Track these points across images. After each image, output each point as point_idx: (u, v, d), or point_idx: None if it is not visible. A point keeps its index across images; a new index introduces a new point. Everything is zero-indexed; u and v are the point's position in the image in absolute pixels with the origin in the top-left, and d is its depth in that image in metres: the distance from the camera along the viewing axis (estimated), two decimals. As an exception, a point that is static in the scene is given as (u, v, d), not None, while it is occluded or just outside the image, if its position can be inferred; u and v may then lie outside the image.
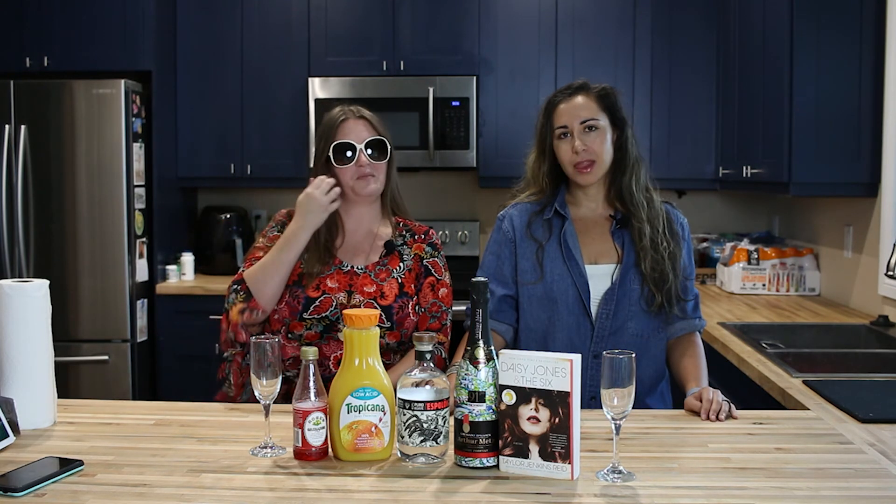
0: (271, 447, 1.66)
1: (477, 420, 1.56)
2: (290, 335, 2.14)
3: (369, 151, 2.12)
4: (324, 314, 2.11)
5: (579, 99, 2.15)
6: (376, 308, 2.10)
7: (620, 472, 1.53)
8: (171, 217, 4.55)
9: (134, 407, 2.07)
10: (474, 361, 1.58)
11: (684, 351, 2.16)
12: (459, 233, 4.75)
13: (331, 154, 2.12)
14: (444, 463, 1.60)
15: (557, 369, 1.52)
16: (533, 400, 1.53)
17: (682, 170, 4.38)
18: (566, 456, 1.52)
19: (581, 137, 2.11)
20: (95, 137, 4.09)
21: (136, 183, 4.16)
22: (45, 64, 4.27)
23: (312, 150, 2.25)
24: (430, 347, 1.61)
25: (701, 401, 1.93)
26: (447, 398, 1.60)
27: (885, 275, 2.63)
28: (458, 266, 4.62)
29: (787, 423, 1.90)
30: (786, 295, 3.95)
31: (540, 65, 4.42)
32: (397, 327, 2.11)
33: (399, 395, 1.59)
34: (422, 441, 1.58)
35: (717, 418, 1.88)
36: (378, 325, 2.04)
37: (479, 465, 1.57)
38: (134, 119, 4.14)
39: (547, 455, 1.53)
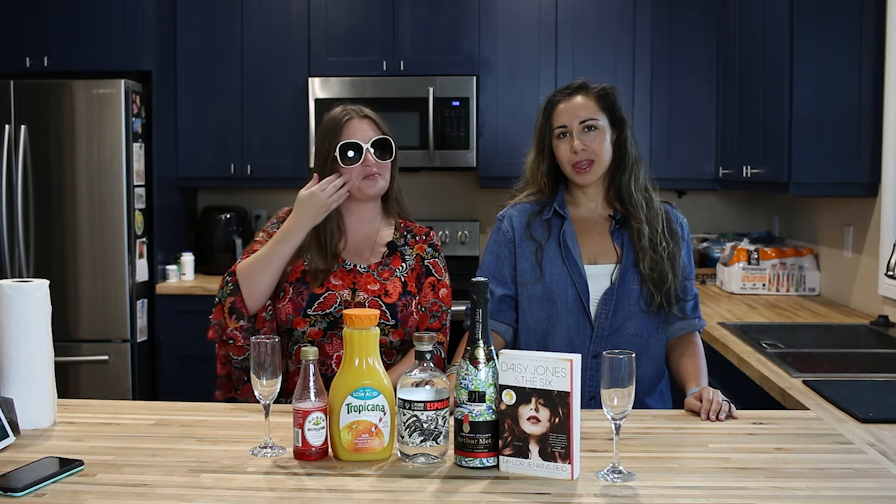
0: (271, 447, 1.66)
1: (477, 420, 1.56)
2: (293, 332, 2.14)
3: (375, 151, 2.12)
4: (328, 311, 2.11)
5: (579, 99, 2.15)
6: (381, 305, 2.10)
7: (620, 472, 1.53)
8: (171, 217, 4.55)
9: (134, 407, 2.07)
10: (474, 361, 1.58)
11: (684, 351, 2.16)
12: (459, 233, 4.75)
13: (337, 154, 2.12)
14: (444, 463, 1.60)
15: (557, 369, 1.52)
16: (533, 400, 1.53)
17: (682, 170, 4.38)
18: (566, 456, 1.52)
19: (580, 137, 2.11)
20: (95, 137, 4.09)
21: (136, 183, 4.17)
22: (45, 64, 4.27)
23: (313, 149, 2.25)
24: (430, 347, 1.61)
25: (701, 401, 1.93)
26: (447, 398, 1.60)
27: (885, 275, 2.63)
28: (457, 266, 4.63)
29: (787, 423, 1.90)
30: (786, 295, 3.95)
31: (540, 65, 4.42)
32: (401, 325, 2.12)
33: (399, 395, 1.59)
34: (422, 441, 1.58)
35: (717, 418, 1.88)
36: (382, 323, 2.06)
37: (479, 465, 1.57)
38: (134, 119, 4.14)
39: (547, 455, 1.53)
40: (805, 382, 2.28)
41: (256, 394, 1.66)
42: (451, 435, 1.61)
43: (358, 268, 2.17)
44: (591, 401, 2.04)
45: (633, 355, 1.51)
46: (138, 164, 4.19)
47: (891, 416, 1.92)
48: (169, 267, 4.44)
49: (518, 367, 1.55)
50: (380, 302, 2.11)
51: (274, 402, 1.69)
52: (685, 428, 1.85)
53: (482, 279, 1.61)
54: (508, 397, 1.55)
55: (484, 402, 1.56)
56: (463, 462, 1.58)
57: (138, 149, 4.19)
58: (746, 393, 2.56)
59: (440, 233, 4.71)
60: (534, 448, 1.54)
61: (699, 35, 4.37)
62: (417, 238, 2.23)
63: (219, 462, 1.61)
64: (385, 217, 2.24)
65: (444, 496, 1.46)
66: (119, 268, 4.12)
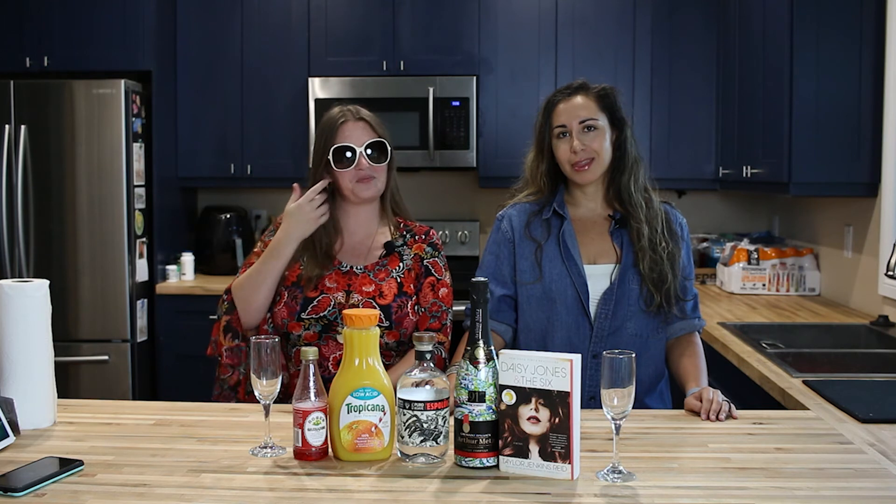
0: (271, 447, 1.66)
1: (477, 420, 1.56)
2: (289, 336, 2.14)
3: (369, 153, 2.12)
4: (322, 314, 2.11)
5: (578, 99, 2.15)
6: (375, 307, 2.10)
7: (620, 472, 1.53)
8: (171, 217, 4.55)
9: (134, 407, 2.07)
10: (474, 361, 1.58)
11: (683, 351, 2.16)
12: (459, 233, 4.75)
13: (330, 157, 2.11)
14: (444, 463, 1.60)
15: (557, 369, 1.52)
16: (533, 400, 1.53)
17: (682, 170, 4.38)
18: (566, 456, 1.52)
19: (580, 137, 2.11)
20: (95, 137, 4.09)
21: (136, 183, 4.17)
22: (45, 64, 4.27)
23: (312, 150, 2.26)
24: (430, 347, 1.61)
25: (701, 401, 1.93)
26: (447, 398, 1.60)
27: (885, 275, 2.63)
28: (457, 266, 4.61)
29: (787, 423, 1.90)
30: (786, 295, 3.95)
31: (540, 65, 4.42)
32: (396, 327, 2.11)
33: (399, 395, 1.59)
34: (422, 441, 1.58)
35: (717, 418, 1.88)
36: (377, 325, 2.06)
37: (479, 465, 1.57)
38: (134, 119, 4.14)
39: (547, 455, 1.53)
40: (805, 382, 2.28)
41: (256, 394, 1.66)
42: (451, 435, 1.61)
43: (354, 269, 2.16)
44: (591, 401, 2.04)
45: (633, 355, 1.51)
46: (138, 164, 4.19)
47: (891, 416, 1.92)
48: (169, 267, 4.44)
49: (518, 367, 1.55)
50: (374, 303, 2.10)
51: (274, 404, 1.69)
52: (685, 428, 1.85)
53: (482, 279, 1.61)
54: (508, 397, 1.55)
55: (484, 402, 1.56)
56: (463, 462, 1.58)
57: (138, 149, 4.19)
58: (746, 393, 2.56)
59: (440, 233, 4.69)
60: (534, 448, 1.54)
61: (699, 35, 4.37)
62: (417, 237, 2.23)
63: (219, 462, 1.61)
64: (383, 218, 2.23)
65: (444, 496, 1.46)
66: (119, 268, 4.12)
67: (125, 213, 4.11)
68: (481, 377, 1.57)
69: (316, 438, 1.61)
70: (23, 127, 4.09)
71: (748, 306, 3.69)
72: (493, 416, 1.57)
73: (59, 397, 1.89)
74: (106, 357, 4.12)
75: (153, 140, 4.30)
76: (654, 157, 4.20)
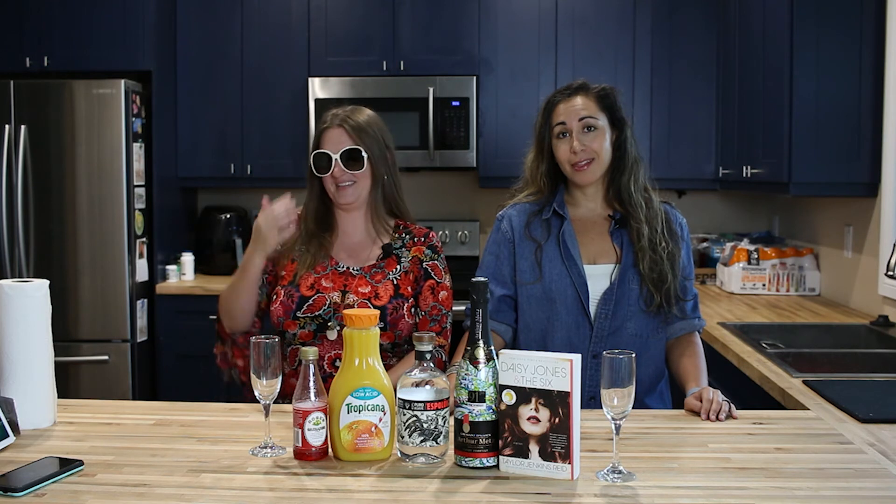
0: (271, 447, 1.66)
1: (477, 420, 1.56)
2: (285, 335, 2.15)
3: (345, 161, 2.13)
4: (317, 313, 2.12)
5: (578, 99, 2.14)
6: (370, 308, 2.10)
7: (620, 472, 1.53)
8: (171, 217, 4.55)
9: (134, 407, 2.07)
10: (474, 361, 1.58)
11: (683, 351, 2.16)
12: (459, 233, 4.75)
13: (311, 163, 2.15)
14: (444, 463, 1.60)
15: (557, 369, 1.52)
16: (533, 400, 1.53)
17: (682, 170, 4.38)
18: (566, 456, 1.52)
19: (579, 137, 2.11)
20: (95, 137, 4.09)
21: (136, 183, 4.17)
22: (45, 64, 4.27)
23: None
24: (429, 347, 1.61)
25: (701, 401, 1.93)
26: (447, 398, 1.60)
27: (885, 275, 2.63)
28: (457, 266, 4.61)
29: (787, 423, 1.90)
30: (786, 295, 3.95)
31: (540, 65, 4.42)
32: (391, 328, 2.12)
33: (399, 395, 1.59)
34: (422, 441, 1.58)
35: (717, 418, 1.88)
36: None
37: (479, 465, 1.57)
38: (134, 119, 4.14)
39: (547, 455, 1.53)
40: (805, 382, 2.28)
41: (256, 394, 1.67)
42: (451, 435, 1.61)
43: (351, 270, 2.17)
44: (591, 401, 2.04)
45: (633, 355, 1.51)
46: (138, 164, 4.19)
47: (891, 416, 1.92)
48: (169, 267, 4.44)
49: (518, 367, 1.55)
50: (369, 304, 2.11)
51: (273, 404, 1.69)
52: (685, 428, 1.85)
53: (482, 279, 1.61)
54: (508, 397, 1.55)
55: (484, 402, 1.56)
56: (463, 462, 1.58)
57: (138, 149, 4.19)
58: (746, 393, 2.56)
59: (440, 233, 4.71)
60: (534, 448, 1.54)
61: (699, 35, 4.37)
62: (416, 239, 2.23)
63: (219, 462, 1.61)
64: (381, 220, 2.23)
65: (444, 496, 1.46)
66: (119, 268, 4.12)
67: (125, 213, 4.11)
68: (481, 377, 1.57)
69: (316, 438, 1.61)
70: (23, 127, 4.09)
71: (748, 306, 3.69)
72: (493, 416, 1.57)
73: (59, 397, 1.89)
74: (106, 357, 4.12)
75: (153, 140, 4.30)
76: (654, 157, 4.20)
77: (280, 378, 1.67)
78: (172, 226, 4.57)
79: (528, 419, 1.54)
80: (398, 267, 2.18)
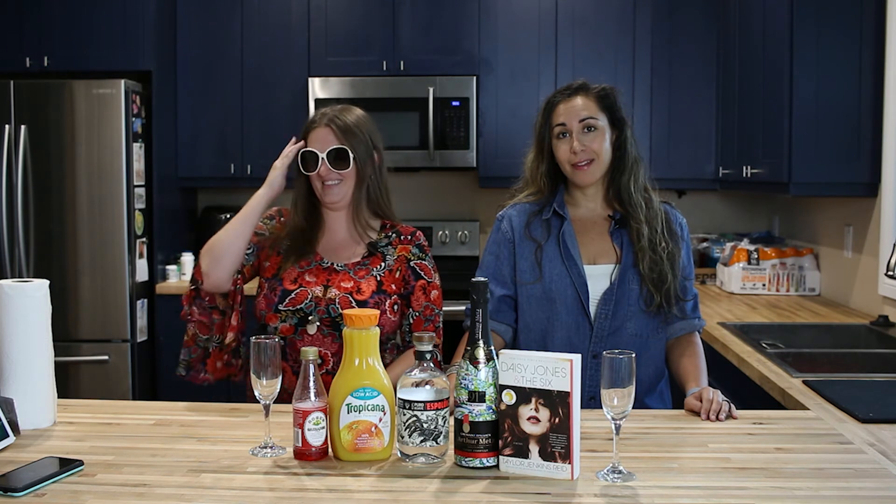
0: (271, 447, 1.66)
1: (477, 420, 1.56)
2: (267, 328, 2.16)
3: (331, 160, 2.14)
4: (298, 306, 2.12)
5: (578, 99, 2.14)
6: (351, 302, 2.11)
7: (620, 472, 1.53)
8: (171, 217, 4.55)
9: (134, 407, 2.07)
10: (474, 361, 1.58)
11: (683, 351, 2.16)
12: (459, 233, 4.75)
13: (298, 162, 2.17)
14: (444, 463, 1.60)
15: (557, 369, 1.52)
16: (533, 400, 1.53)
17: (682, 170, 4.38)
18: (566, 456, 1.52)
19: (579, 138, 2.11)
20: (95, 137, 4.09)
21: (136, 183, 4.17)
22: (45, 64, 4.27)
23: None
24: (429, 347, 1.61)
25: (701, 401, 1.93)
26: (447, 398, 1.60)
27: (885, 275, 2.63)
28: (458, 266, 4.63)
29: (787, 423, 1.90)
30: (786, 295, 3.95)
31: (540, 65, 4.42)
32: None
33: (399, 395, 1.59)
34: (422, 441, 1.58)
35: (717, 418, 1.88)
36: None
37: (479, 465, 1.57)
38: (134, 119, 4.14)
39: (547, 455, 1.53)
40: (805, 382, 2.28)
41: (256, 394, 1.67)
42: (451, 435, 1.61)
43: (335, 266, 2.18)
44: (591, 401, 2.04)
45: (633, 355, 1.51)
46: (138, 164, 4.19)
47: (891, 416, 1.92)
48: (169, 267, 4.44)
49: (518, 367, 1.55)
50: (351, 299, 2.12)
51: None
52: (685, 428, 1.85)
53: (482, 279, 1.61)
54: (508, 397, 1.55)
55: (484, 402, 1.56)
56: (463, 462, 1.58)
57: (138, 149, 4.19)
58: (746, 393, 2.56)
59: (440, 233, 4.71)
60: (534, 448, 1.54)
61: (699, 35, 4.37)
62: (402, 238, 2.23)
63: (219, 462, 1.61)
64: (364, 221, 2.23)
65: (444, 496, 1.46)
66: (119, 268, 4.12)
67: (125, 213, 4.11)
68: (481, 377, 1.57)
69: (316, 438, 1.61)
70: (23, 127, 4.09)
71: (748, 306, 3.69)
72: (493, 416, 1.57)
73: (59, 397, 1.89)
74: (106, 357, 4.12)
75: (153, 140, 4.30)
76: (654, 157, 4.20)
77: (280, 378, 1.67)
78: (172, 226, 4.57)
79: (528, 419, 1.54)
80: (383, 264, 2.19)
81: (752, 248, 4.03)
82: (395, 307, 2.16)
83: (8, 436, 1.69)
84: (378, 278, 2.16)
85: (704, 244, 4.63)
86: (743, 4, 3.97)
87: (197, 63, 4.54)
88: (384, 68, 4.44)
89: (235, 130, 4.55)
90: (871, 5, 3.24)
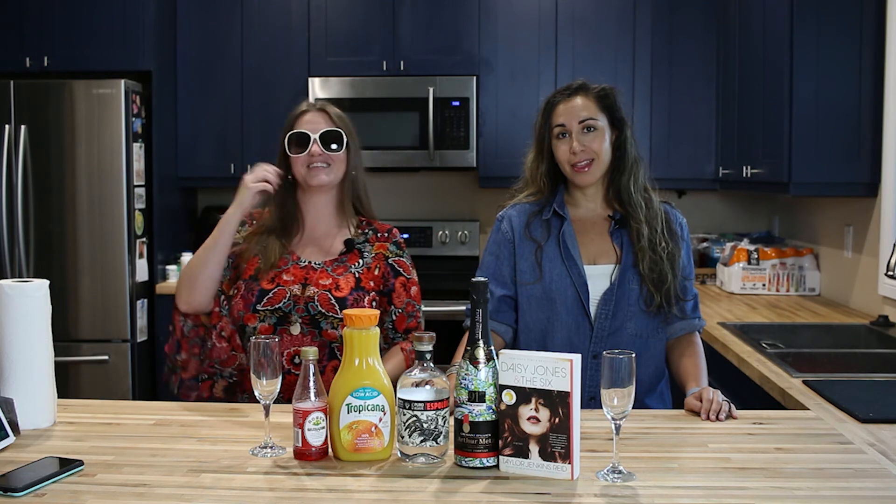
0: (271, 447, 1.66)
1: (477, 420, 1.56)
2: (245, 329, 2.14)
3: (323, 142, 2.14)
4: (277, 306, 2.12)
5: (578, 99, 2.14)
6: (330, 299, 2.11)
7: (620, 472, 1.53)
8: (171, 217, 4.55)
9: (134, 407, 2.07)
10: (474, 361, 1.58)
11: (684, 351, 2.16)
12: (459, 233, 4.75)
13: (286, 144, 2.15)
14: (444, 463, 1.60)
15: (557, 369, 1.52)
16: (533, 400, 1.53)
17: (682, 170, 4.38)
18: (566, 456, 1.52)
19: (579, 138, 2.11)
20: (95, 137, 4.09)
21: (136, 183, 4.17)
22: (45, 64, 4.27)
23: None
24: (429, 347, 1.61)
25: (701, 401, 1.93)
26: (447, 398, 1.60)
27: (885, 275, 2.63)
28: (458, 266, 4.63)
29: (787, 423, 1.90)
30: (786, 295, 3.95)
31: (540, 65, 4.42)
32: None
33: (399, 395, 1.59)
34: (422, 441, 1.58)
35: (717, 418, 1.88)
36: (332, 316, 2.07)
37: (479, 465, 1.57)
38: (134, 119, 4.14)
39: (547, 455, 1.53)
40: (805, 382, 2.28)
41: (256, 394, 1.67)
42: (451, 435, 1.61)
43: (312, 264, 2.18)
44: (591, 401, 2.04)
45: (633, 355, 1.51)
46: (138, 164, 4.19)
47: (891, 416, 1.92)
48: (169, 267, 4.44)
49: (518, 367, 1.55)
50: (329, 296, 2.12)
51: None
52: (685, 428, 1.85)
53: (482, 279, 1.61)
54: (508, 397, 1.55)
55: (484, 402, 1.56)
56: (463, 462, 1.58)
57: (138, 149, 4.19)
58: (746, 393, 2.56)
59: (440, 233, 4.71)
60: (534, 448, 1.54)
61: (699, 35, 4.37)
62: (379, 235, 2.24)
63: (219, 462, 1.61)
64: (343, 215, 2.24)
65: (444, 496, 1.46)
66: (119, 268, 4.12)
67: (125, 213, 4.11)
68: (481, 377, 1.57)
69: (316, 438, 1.61)
70: (23, 127, 4.09)
71: (748, 306, 3.69)
72: (493, 416, 1.57)
73: (59, 397, 1.89)
74: (106, 357, 4.12)
75: (153, 140, 4.30)
76: (654, 157, 4.20)
77: (280, 378, 1.67)
78: (172, 226, 4.58)
79: (528, 419, 1.54)
80: (361, 261, 2.19)
81: (752, 248, 4.03)
82: (374, 304, 2.17)
83: (8, 436, 1.69)
84: (356, 275, 2.17)
85: (704, 244, 4.63)
86: (743, 4, 3.97)
87: (197, 63, 4.54)
88: (384, 68, 4.44)
89: (235, 130, 4.55)
90: (871, 5, 3.24)
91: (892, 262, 2.57)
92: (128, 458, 1.64)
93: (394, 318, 2.20)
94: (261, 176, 2.13)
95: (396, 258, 2.22)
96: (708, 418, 1.88)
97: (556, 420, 1.52)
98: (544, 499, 1.45)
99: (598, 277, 2.14)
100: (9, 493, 1.43)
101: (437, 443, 1.59)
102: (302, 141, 2.14)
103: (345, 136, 2.16)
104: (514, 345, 2.21)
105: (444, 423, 1.59)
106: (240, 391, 2.16)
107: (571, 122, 2.12)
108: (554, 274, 2.14)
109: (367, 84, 4.42)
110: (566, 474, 1.52)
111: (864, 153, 3.30)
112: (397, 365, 2.11)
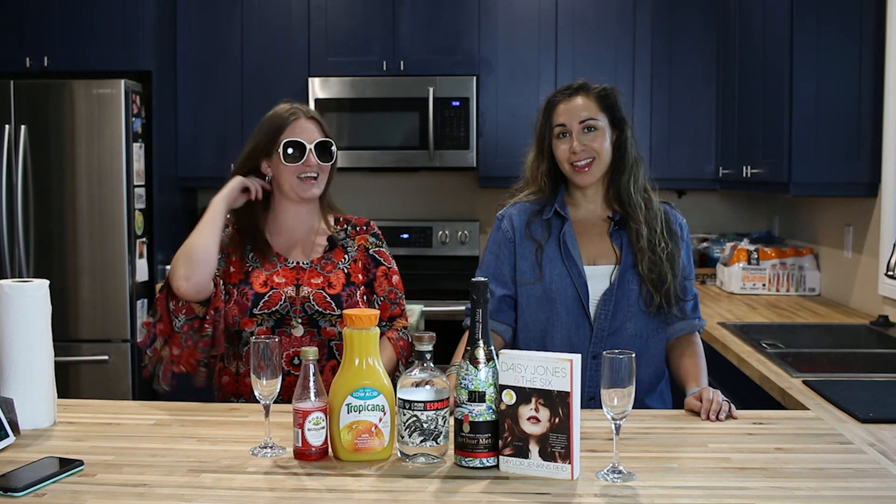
0: (271, 447, 1.66)
1: (477, 420, 1.56)
2: (242, 334, 2.13)
3: (317, 153, 2.14)
4: (274, 308, 2.12)
5: (579, 99, 2.14)
6: (325, 297, 2.12)
7: (620, 472, 1.53)
8: (171, 217, 4.55)
9: (134, 407, 2.07)
10: (474, 361, 1.58)
11: (684, 351, 2.16)
12: (459, 233, 4.75)
13: (280, 151, 2.13)
14: (444, 463, 1.60)
15: (557, 369, 1.52)
16: (533, 400, 1.53)
17: (682, 170, 4.38)
18: (566, 456, 1.52)
19: (579, 138, 2.11)
20: (95, 137, 4.09)
21: (136, 183, 4.16)
22: (45, 64, 4.27)
23: (250, 141, 2.24)
24: (429, 347, 1.61)
25: (701, 401, 1.93)
26: (447, 398, 1.60)
27: (885, 275, 2.63)
28: (458, 266, 4.63)
29: (787, 423, 1.90)
30: (786, 295, 3.95)
31: (540, 65, 4.42)
32: None
33: (399, 395, 1.59)
34: (422, 441, 1.58)
35: (717, 418, 1.88)
36: (329, 314, 2.07)
37: (479, 465, 1.57)
38: (134, 119, 4.14)
39: (547, 455, 1.53)
40: (805, 382, 2.28)
41: (256, 393, 1.67)
42: (451, 435, 1.61)
43: (301, 264, 2.19)
44: (591, 401, 2.04)
45: (633, 355, 1.51)
46: (138, 164, 4.19)
47: (891, 416, 1.92)
48: (169, 267, 4.43)
49: (518, 367, 1.55)
50: (324, 294, 2.12)
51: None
52: (685, 428, 1.85)
53: (482, 279, 1.61)
54: (508, 397, 1.55)
55: (484, 402, 1.56)
56: (463, 462, 1.58)
57: (138, 149, 4.19)
58: (746, 393, 2.56)
59: (440, 233, 4.71)
60: (534, 448, 1.54)
61: (699, 35, 4.37)
62: (358, 229, 2.27)
63: (219, 462, 1.61)
64: (321, 214, 2.26)
65: (444, 496, 1.46)
66: (119, 268, 4.11)
67: (125, 213, 4.10)
68: (481, 377, 1.57)
69: (316, 438, 1.61)
70: (23, 127, 4.09)
71: (748, 306, 3.69)
72: (493, 416, 1.57)
73: (59, 397, 1.89)
74: (106, 357, 4.12)
75: (153, 140, 4.30)
76: (654, 157, 4.20)
77: (280, 378, 1.67)
78: (172, 226, 4.57)
79: (528, 419, 1.54)
80: (346, 256, 2.21)
81: (752, 248, 4.03)
82: (365, 297, 2.19)
83: (8, 436, 1.69)
84: (346, 270, 2.18)
85: (704, 244, 4.63)
86: (743, 4, 3.97)
87: (197, 63, 4.54)
88: (384, 68, 4.44)
89: (235, 130, 4.55)
90: (871, 5, 3.24)
91: (892, 262, 2.57)
92: (128, 458, 1.64)
93: (377, 306, 2.21)
94: (249, 181, 2.16)
95: (376, 249, 2.25)
96: (708, 418, 1.88)
97: (556, 420, 1.52)
98: (544, 499, 1.45)
99: (598, 278, 2.14)
100: (9, 493, 1.43)
101: (437, 443, 1.59)
102: (297, 150, 2.13)
103: (334, 146, 2.17)
104: (513, 345, 2.21)
105: (444, 423, 1.59)
106: (235, 395, 2.17)
107: (572, 121, 2.12)
108: (554, 274, 2.14)
109: (367, 84, 4.42)
110: (566, 474, 1.52)
111: (864, 153, 3.29)
112: (388, 356, 2.11)
